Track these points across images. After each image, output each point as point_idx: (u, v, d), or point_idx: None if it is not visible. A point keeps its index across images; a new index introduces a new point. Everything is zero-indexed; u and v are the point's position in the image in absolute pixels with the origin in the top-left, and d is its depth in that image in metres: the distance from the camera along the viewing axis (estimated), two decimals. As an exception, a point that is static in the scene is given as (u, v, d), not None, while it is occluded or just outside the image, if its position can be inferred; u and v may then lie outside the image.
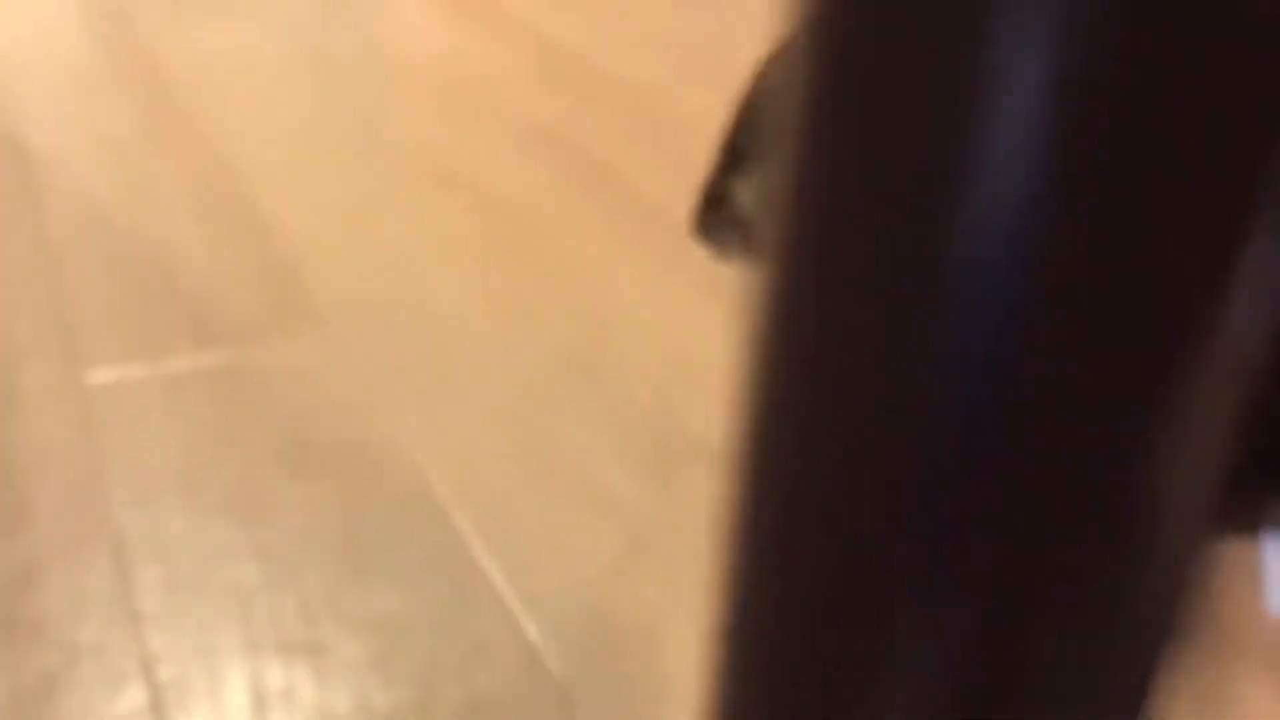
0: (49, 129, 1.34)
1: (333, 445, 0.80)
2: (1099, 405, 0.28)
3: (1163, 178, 0.27)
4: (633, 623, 0.66)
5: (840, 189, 0.29)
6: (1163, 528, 0.30)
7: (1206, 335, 0.28)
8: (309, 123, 1.40)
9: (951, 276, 0.28)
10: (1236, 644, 0.60)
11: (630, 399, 0.85)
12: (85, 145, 1.29)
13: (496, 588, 0.68)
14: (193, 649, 0.64)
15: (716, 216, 0.69)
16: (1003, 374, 0.28)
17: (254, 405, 0.85)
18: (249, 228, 1.13)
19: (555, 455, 0.79)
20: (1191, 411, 0.29)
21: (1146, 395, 0.28)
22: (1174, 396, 0.28)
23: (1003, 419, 0.28)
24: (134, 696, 0.60)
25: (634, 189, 1.22)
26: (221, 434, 0.81)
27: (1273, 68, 0.27)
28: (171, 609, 0.66)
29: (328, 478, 0.77)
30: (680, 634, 0.66)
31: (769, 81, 0.66)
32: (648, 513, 0.74)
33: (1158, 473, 0.29)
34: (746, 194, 0.67)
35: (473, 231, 1.12)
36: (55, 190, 1.19)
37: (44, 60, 1.58)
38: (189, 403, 0.84)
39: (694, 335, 0.94)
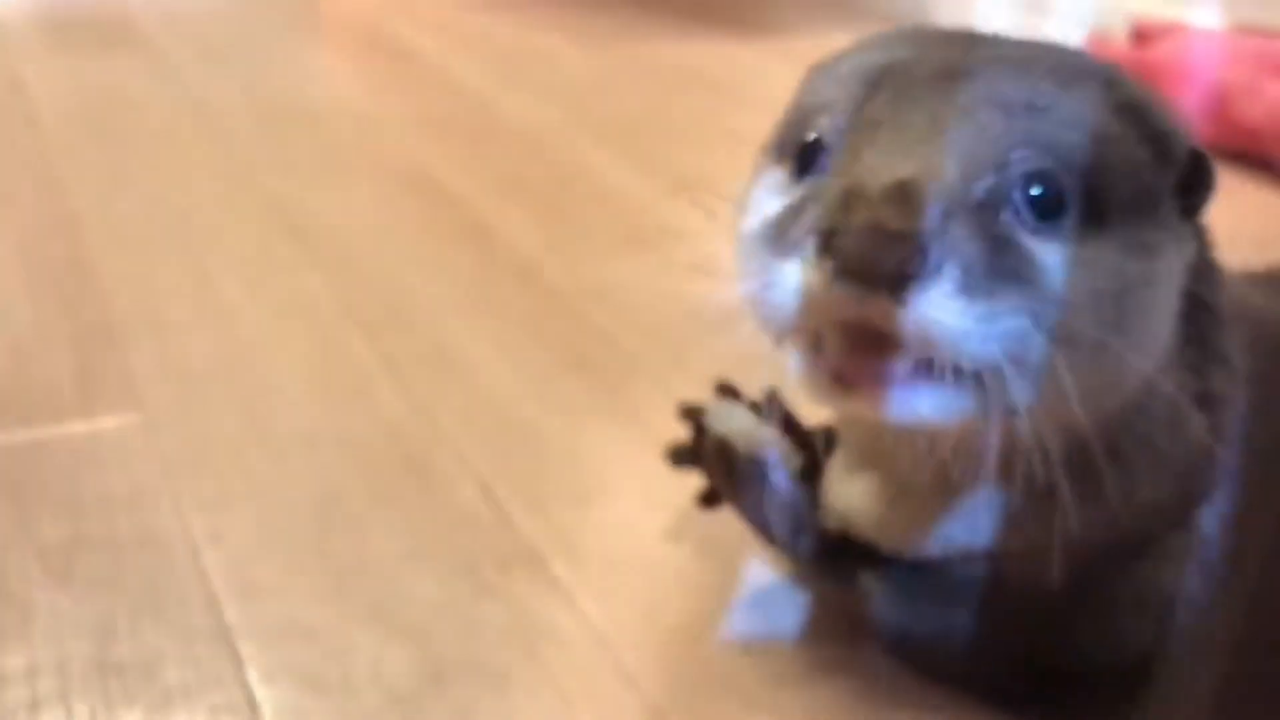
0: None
1: (110, 544, 0.72)
2: None
3: None
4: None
5: None
6: None
7: None
8: (173, 174, 1.33)
9: None
10: None
11: (452, 498, 0.77)
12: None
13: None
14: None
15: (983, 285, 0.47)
16: None
17: (34, 494, 0.76)
18: (76, 286, 1.04)
19: (355, 563, 0.71)
20: None
21: None
22: None
23: None
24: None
25: (508, 245, 1.15)
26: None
27: None
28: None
29: (93, 583, 0.69)
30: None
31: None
32: (453, 634, 0.66)
33: None
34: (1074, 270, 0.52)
35: (320, 294, 1.04)
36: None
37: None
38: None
39: (541, 422, 0.86)
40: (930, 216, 0.42)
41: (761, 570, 0.72)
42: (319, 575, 0.70)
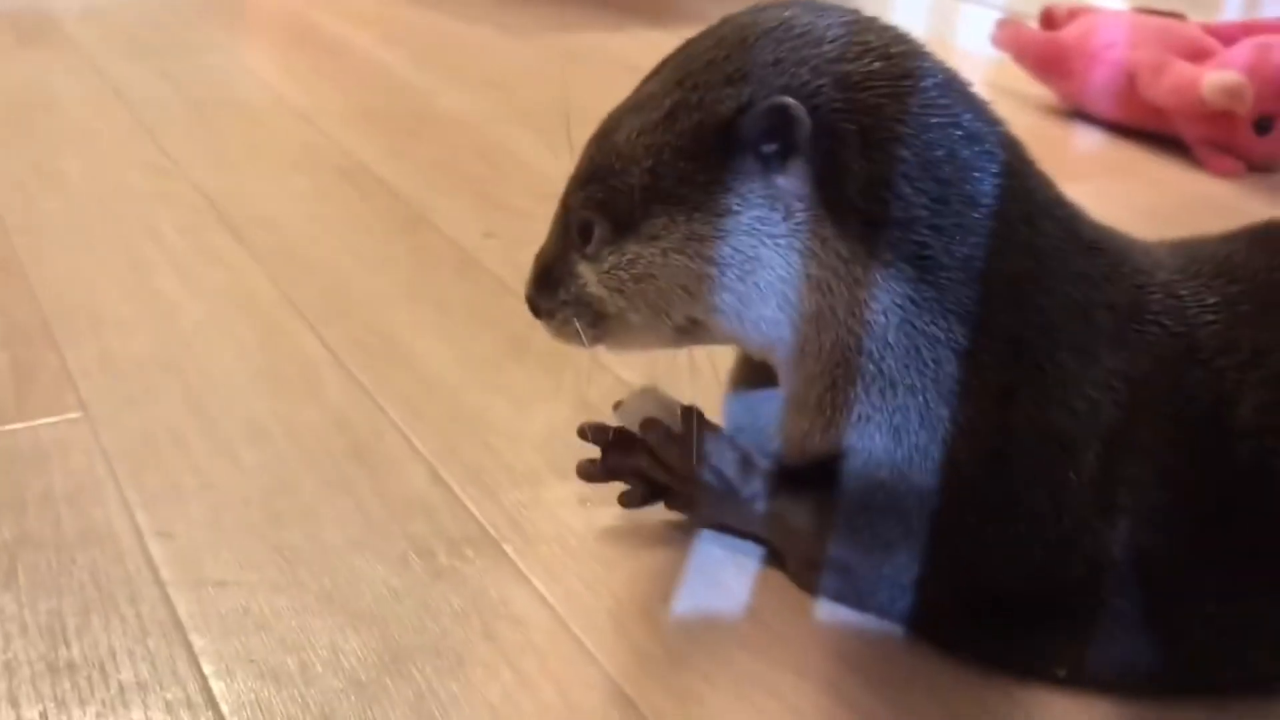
0: None
1: (55, 543, 0.71)
2: None
3: None
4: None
5: None
6: None
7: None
8: (101, 170, 1.31)
9: None
10: None
11: (402, 483, 0.78)
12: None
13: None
14: None
15: (555, 299, 0.69)
16: None
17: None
18: (5, 286, 1.02)
19: (308, 552, 0.71)
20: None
21: None
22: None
23: None
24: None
25: (445, 234, 1.16)
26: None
27: None
28: None
29: (39, 584, 0.68)
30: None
31: (611, 150, 0.63)
32: (409, 618, 0.67)
33: None
34: (591, 274, 0.65)
35: (260, 287, 1.04)
36: None
37: None
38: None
39: (486, 405, 0.87)
40: (541, 282, 0.69)
41: (710, 543, 0.73)
42: (271, 565, 0.70)
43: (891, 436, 0.63)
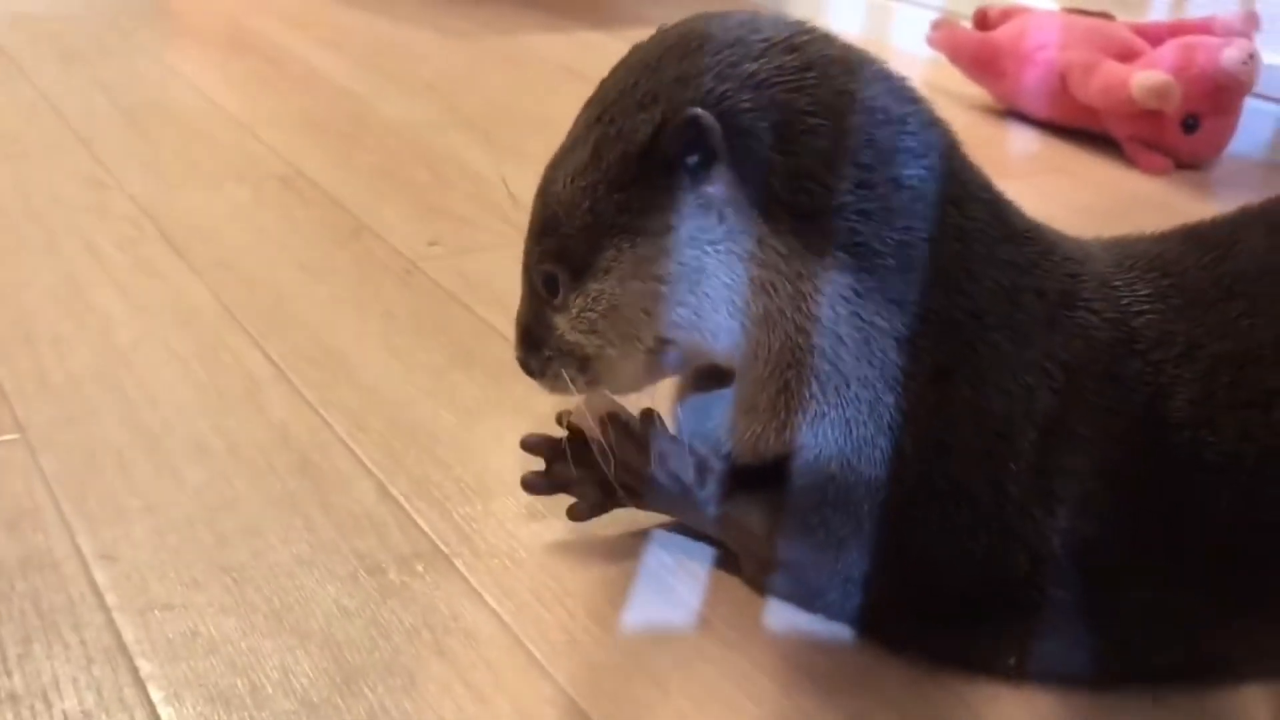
0: None
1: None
2: None
3: None
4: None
5: None
6: None
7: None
8: (33, 180, 1.28)
9: None
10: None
11: (349, 499, 0.77)
12: None
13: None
14: None
15: (541, 356, 0.70)
16: None
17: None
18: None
19: (255, 571, 0.70)
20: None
21: None
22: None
23: None
24: None
25: (388, 243, 1.15)
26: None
27: None
28: None
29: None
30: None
31: (554, 201, 0.66)
32: (360, 636, 0.66)
33: None
34: (564, 323, 0.65)
35: (199, 299, 1.03)
36: None
37: None
38: None
39: (432, 418, 0.87)
40: (525, 343, 0.71)
41: (660, 551, 0.74)
42: (219, 586, 0.70)
43: (843, 430, 0.64)
